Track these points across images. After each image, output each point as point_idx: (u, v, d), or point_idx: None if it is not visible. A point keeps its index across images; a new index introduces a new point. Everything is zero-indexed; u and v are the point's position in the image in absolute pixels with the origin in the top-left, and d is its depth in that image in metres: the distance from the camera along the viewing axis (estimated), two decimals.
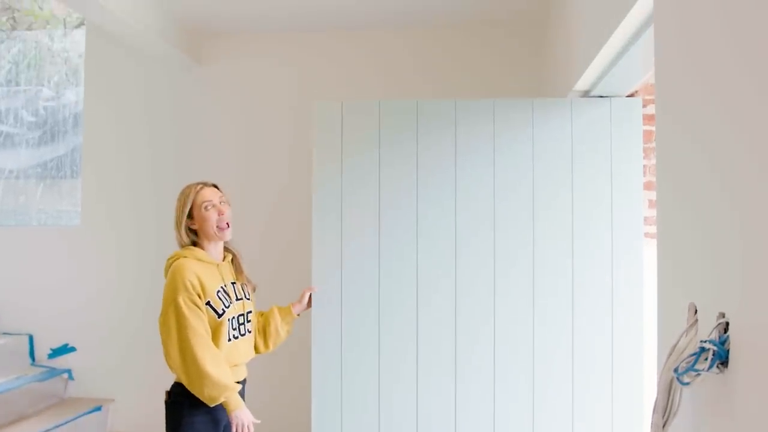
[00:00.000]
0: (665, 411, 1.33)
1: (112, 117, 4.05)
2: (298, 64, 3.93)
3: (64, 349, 3.84)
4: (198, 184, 2.54)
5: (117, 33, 3.37)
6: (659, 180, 1.56)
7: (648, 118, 2.82)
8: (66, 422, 3.51)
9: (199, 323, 2.33)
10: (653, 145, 2.92)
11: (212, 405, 2.31)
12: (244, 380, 2.55)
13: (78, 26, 4.46)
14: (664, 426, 1.32)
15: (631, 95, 2.77)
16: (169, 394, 2.45)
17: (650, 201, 2.87)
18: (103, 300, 3.97)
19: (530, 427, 2.68)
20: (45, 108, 4.44)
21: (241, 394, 2.51)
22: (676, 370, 1.22)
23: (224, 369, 2.33)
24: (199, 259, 2.46)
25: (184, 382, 2.33)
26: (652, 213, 2.96)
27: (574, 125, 2.70)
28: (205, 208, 2.48)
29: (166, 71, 3.99)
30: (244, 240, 2.70)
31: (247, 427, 2.37)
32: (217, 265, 2.52)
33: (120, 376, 3.93)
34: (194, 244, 2.52)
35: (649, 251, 2.80)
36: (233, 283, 2.55)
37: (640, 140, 2.69)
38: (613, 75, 2.46)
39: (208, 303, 2.39)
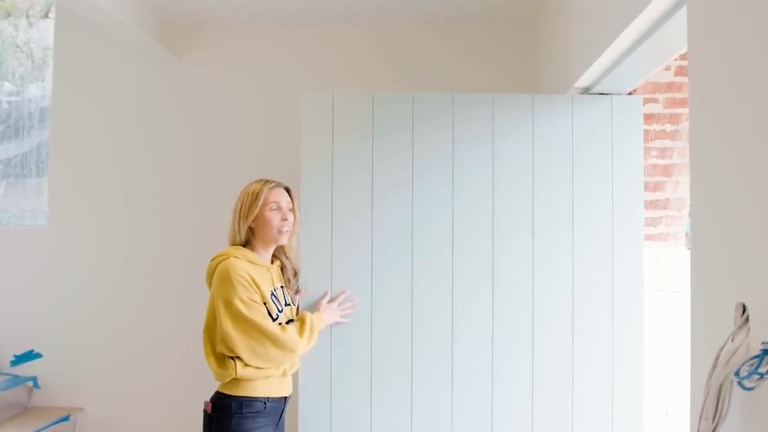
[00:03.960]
0: (715, 417, 1.25)
1: (81, 112, 3.84)
2: (284, 56, 3.78)
3: (29, 356, 3.62)
4: (271, 182, 2.48)
5: (88, 20, 3.20)
6: (693, 171, 1.49)
7: (646, 117, 2.78)
8: None
9: (265, 314, 2.33)
10: (652, 144, 2.89)
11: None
12: (287, 398, 2.47)
13: (43, 17, 4.25)
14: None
15: (629, 93, 2.72)
16: (213, 405, 2.33)
17: (646, 202, 2.84)
18: (70, 304, 3.77)
19: (529, 424, 2.61)
20: (9, 103, 4.22)
21: (281, 412, 2.43)
22: (737, 374, 1.15)
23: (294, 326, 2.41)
24: (251, 261, 2.37)
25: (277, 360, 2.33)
26: (649, 214, 2.92)
27: (574, 121, 2.63)
28: (271, 208, 2.41)
29: (140, 64, 3.81)
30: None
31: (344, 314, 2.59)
32: (267, 268, 2.43)
33: (89, 384, 3.73)
34: (245, 244, 2.44)
35: (648, 252, 2.76)
36: (281, 287, 2.48)
37: (641, 138, 2.64)
38: (617, 73, 2.40)
39: (264, 305, 2.32)
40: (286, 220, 2.43)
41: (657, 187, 2.98)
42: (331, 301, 2.58)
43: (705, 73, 1.43)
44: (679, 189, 3.02)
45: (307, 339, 2.37)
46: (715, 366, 1.25)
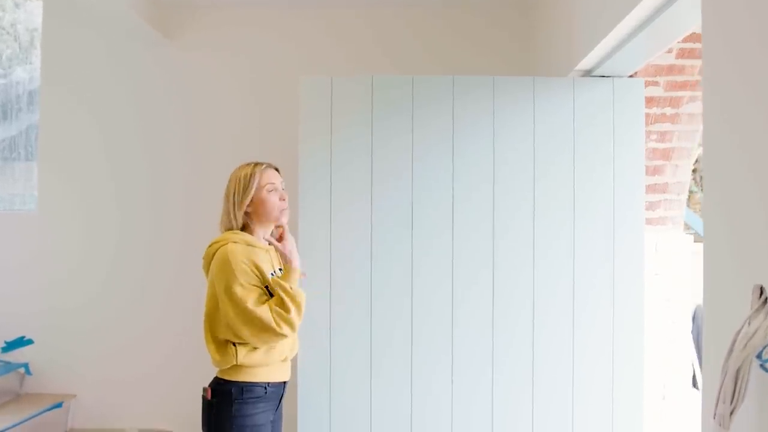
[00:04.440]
0: (733, 399, 1.24)
1: (70, 96, 3.77)
2: (279, 39, 3.72)
3: (20, 342, 3.56)
4: (262, 164, 2.42)
5: (76, 1, 3.12)
6: (706, 154, 1.47)
7: (646, 101, 2.76)
8: (24, 420, 3.26)
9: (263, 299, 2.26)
10: (652, 128, 2.87)
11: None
12: (286, 383, 2.44)
13: None
14: (731, 414, 1.24)
15: (630, 76, 2.70)
16: (212, 391, 2.30)
17: (652, 186, 2.83)
18: (62, 291, 3.71)
19: (529, 409, 2.60)
20: None
21: (281, 397, 2.40)
22: (759, 356, 1.13)
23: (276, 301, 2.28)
24: (250, 244, 2.32)
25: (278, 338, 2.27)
26: (648, 198, 2.91)
27: (575, 104, 2.61)
28: (268, 190, 2.36)
29: (131, 46, 3.73)
30: None
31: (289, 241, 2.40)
32: (266, 249, 2.40)
33: (81, 371, 3.69)
34: (242, 228, 2.39)
35: (646, 236, 2.75)
36: (280, 270, 2.43)
37: (642, 121, 2.62)
38: (619, 55, 2.38)
39: (265, 287, 2.29)
40: (284, 200, 2.39)
41: (656, 171, 2.96)
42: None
43: (718, 58, 1.40)
44: (679, 173, 3.01)
45: (294, 308, 2.25)
46: (731, 350, 1.24)
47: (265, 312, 2.21)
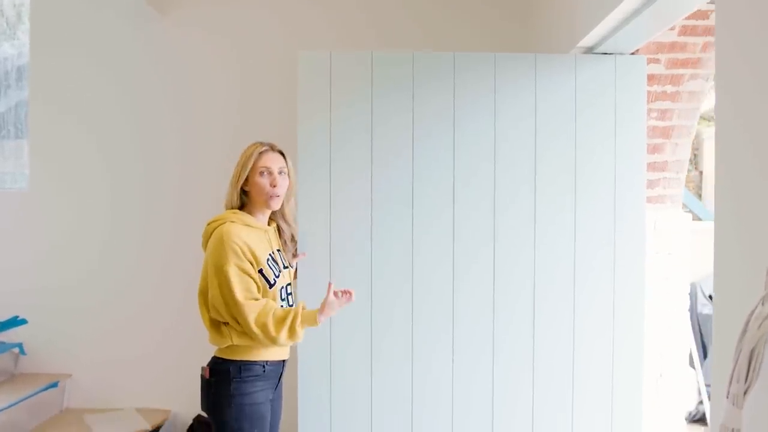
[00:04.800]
0: (747, 379, 1.24)
1: (61, 72, 3.70)
2: (278, 11, 3.65)
3: (14, 322, 3.53)
4: (263, 145, 2.38)
5: None
6: (718, 129, 1.46)
7: (647, 78, 2.73)
8: (20, 400, 3.24)
9: (253, 290, 2.24)
10: (652, 105, 2.85)
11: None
12: (285, 362, 2.43)
13: None
14: (744, 393, 1.24)
15: (632, 54, 2.67)
16: (210, 371, 2.29)
17: (652, 164, 2.82)
18: (55, 269, 3.68)
19: (529, 388, 2.60)
20: None
21: (280, 376, 2.40)
22: None
23: (277, 313, 2.26)
24: (247, 224, 2.31)
25: (260, 344, 2.27)
26: (647, 176, 2.91)
27: (577, 82, 2.58)
28: (261, 173, 2.33)
29: (123, 22, 3.66)
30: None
31: (341, 303, 2.33)
32: (265, 230, 2.38)
33: (76, 350, 3.66)
34: (241, 207, 2.38)
35: (647, 215, 2.74)
36: (278, 251, 2.42)
37: (644, 99, 2.61)
38: (623, 32, 2.34)
39: (260, 271, 2.26)
40: (275, 186, 2.34)
41: (656, 149, 2.95)
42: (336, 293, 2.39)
43: (730, 53, 1.38)
44: (678, 151, 3.00)
45: (286, 336, 2.22)
46: (745, 330, 1.24)
47: (251, 307, 2.20)
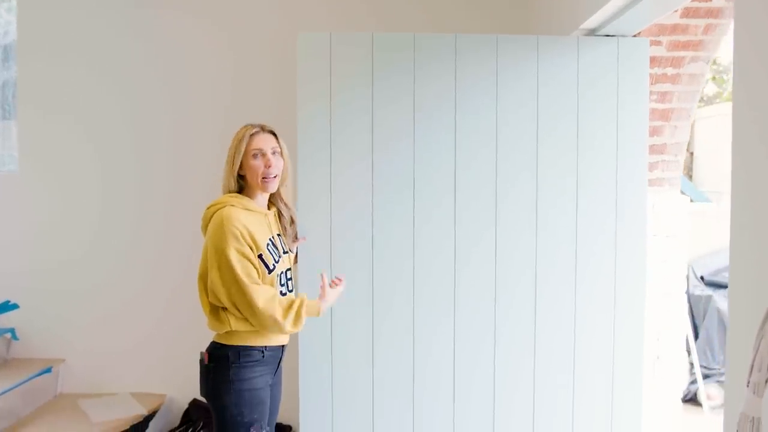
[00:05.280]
0: None
1: (51, 51, 3.62)
2: None
3: (5, 307, 3.49)
4: (254, 127, 2.33)
5: None
6: (735, 119, 1.44)
7: (650, 60, 2.72)
8: (14, 386, 3.20)
9: (254, 275, 2.20)
10: (652, 88, 2.84)
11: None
12: (285, 347, 2.41)
13: None
14: (766, 382, 1.24)
15: (634, 36, 2.65)
16: (209, 356, 2.27)
17: (650, 147, 2.81)
18: (47, 253, 3.62)
19: (530, 370, 2.61)
20: None
21: (279, 361, 2.38)
22: None
23: (282, 301, 2.24)
24: (247, 208, 2.28)
25: (261, 329, 2.24)
26: (653, 159, 2.90)
27: (580, 64, 2.56)
28: (254, 156, 2.29)
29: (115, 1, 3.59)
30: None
31: (337, 291, 2.40)
32: (265, 214, 2.35)
33: (69, 335, 3.63)
34: (240, 191, 2.34)
35: (651, 198, 2.74)
36: (279, 235, 2.39)
37: (646, 81, 2.59)
38: (630, 14, 2.32)
39: (260, 256, 2.23)
40: (270, 167, 2.30)
41: (655, 131, 2.94)
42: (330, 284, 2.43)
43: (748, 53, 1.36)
44: (677, 134, 2.99)
45: (292, 323, 2.22)
46: (766, 321, 1.24)
47: (255, 290, 2.17)
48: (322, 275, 2.36)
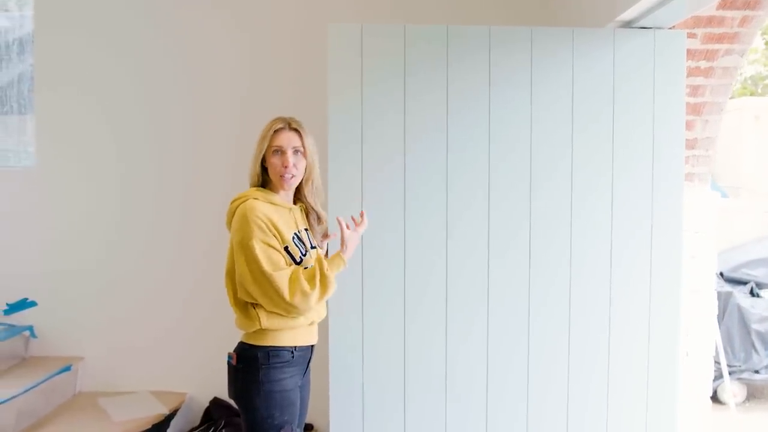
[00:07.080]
0: None
1: (67, 43, 3.56)
2: None
3: (23, 304, 3.44)
4: (280, 122, 2.27)
5: None
6: None
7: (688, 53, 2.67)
8: (35, 385, 3.16)
9: (281, 264, 2.15)
10: (688, 82, 2.79)
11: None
12: (313, 347, 2.35)
13: None
14: None
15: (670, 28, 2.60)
16: (238, 357, 2.21)
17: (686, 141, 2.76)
18: (65, 250, 3.58)
19: (565, 366, 2.57)
20: None
21: (308, 361, 2.33)
22: None
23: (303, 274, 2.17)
24: (271, 202, 2.22)
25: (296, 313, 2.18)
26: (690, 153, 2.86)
27: (615, 57, 2.52)
28: (275, 153, 2.24)
29: None
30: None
31: (358, 231, 2.34)
32: (290, 209, 2.29)
33: (88, 332, 3.58)
34: (264, 185, 2.29)
35: (689, 193, 2.70)
36: (306, 230, 2.34)
37: (683, 74, 2.55)
38: (669, 6, 2.28)
39: (285, 248, 2.17)
40: (287, 166, 2.23)
41: (686, 125, 2.89)
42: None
43: None
44: (708, 128, 2.95)
45: (320, 289, 2.15)
46: None
47: (281, 277, 2.11)
48: (338, 220, 2.28)
